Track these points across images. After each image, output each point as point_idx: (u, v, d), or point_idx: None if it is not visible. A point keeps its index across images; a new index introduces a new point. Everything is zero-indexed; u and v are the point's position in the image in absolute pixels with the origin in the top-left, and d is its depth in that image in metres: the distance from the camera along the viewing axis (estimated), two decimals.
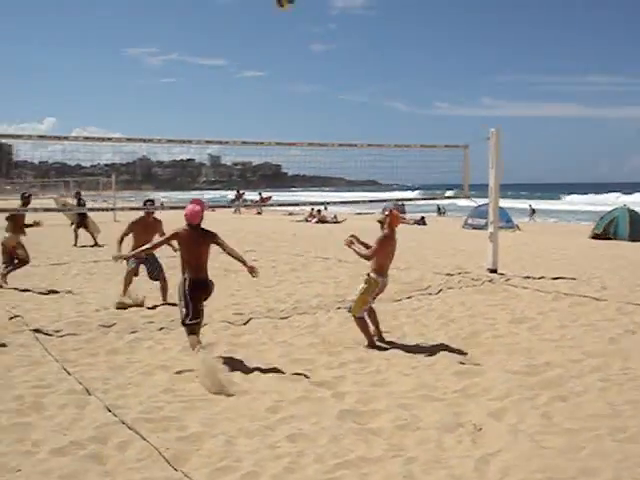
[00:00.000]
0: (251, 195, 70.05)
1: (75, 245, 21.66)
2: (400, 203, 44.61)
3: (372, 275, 8.32)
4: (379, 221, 8.50)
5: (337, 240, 24.26)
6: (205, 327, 9.42)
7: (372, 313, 8.61)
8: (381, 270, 8.36)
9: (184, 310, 7.34)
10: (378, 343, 8.46)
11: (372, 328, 8.56)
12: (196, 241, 7.47)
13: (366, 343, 8.36)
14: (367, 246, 8.54)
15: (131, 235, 11.32)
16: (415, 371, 7.31)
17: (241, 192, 57.72)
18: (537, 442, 5.25)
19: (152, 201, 13.00)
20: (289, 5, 9.39)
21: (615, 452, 5.06)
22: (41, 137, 11.19)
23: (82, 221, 22.35)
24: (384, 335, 8.69)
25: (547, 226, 37.36)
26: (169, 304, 10.89)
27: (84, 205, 24.18)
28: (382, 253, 8.30)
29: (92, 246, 21.63)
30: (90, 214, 22.98)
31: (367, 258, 8.35)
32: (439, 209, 52.84)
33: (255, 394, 6.51)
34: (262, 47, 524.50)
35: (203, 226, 7.59)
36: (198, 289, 7.41)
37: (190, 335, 7.34)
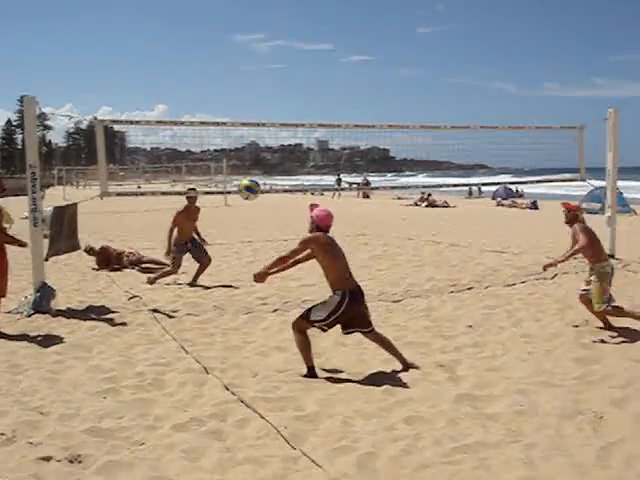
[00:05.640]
0: (357, 179, 69.62)
1: None
2: (510, 187, 43.99)
3: (602, 264, 8.21)
4: (566, 222, 8.52)
5: (448, 224, 24.13)
6: None
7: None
8: (602, 255, 8.32)
9: None
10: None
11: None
12: None
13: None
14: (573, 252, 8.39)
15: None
16: (532, 357, 7.17)
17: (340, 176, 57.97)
18: None
19: (194, 189, 13.58)
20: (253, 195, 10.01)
21: None
22: (159, 122, 11.50)
23: None
24: None
25: None
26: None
27: None
28: (592, 242, 8.24)
29: None
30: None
31: (579, 252, 8.31)
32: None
33: (370, 376, 6.54)
34: (369, 31, 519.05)
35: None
36: None
37: None
